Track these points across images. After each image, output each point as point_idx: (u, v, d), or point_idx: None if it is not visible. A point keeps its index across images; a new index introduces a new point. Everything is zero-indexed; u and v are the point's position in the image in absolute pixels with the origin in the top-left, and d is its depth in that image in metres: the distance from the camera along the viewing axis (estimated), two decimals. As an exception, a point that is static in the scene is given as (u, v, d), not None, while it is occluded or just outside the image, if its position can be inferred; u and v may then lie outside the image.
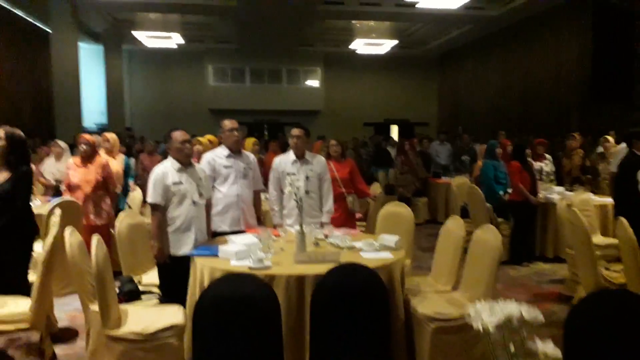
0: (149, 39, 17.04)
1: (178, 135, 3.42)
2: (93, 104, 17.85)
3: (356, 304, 2.30)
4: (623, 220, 3.63)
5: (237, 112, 19.64)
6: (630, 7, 11.50)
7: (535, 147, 6.66)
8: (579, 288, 4.17)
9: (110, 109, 17.06)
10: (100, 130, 18.07)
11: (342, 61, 19.72)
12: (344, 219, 4.87)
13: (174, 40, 17.09)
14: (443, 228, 3.81)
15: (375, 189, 5.92)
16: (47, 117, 14.65)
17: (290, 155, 4.21)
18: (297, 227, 3.80)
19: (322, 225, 4.16)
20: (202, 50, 19.13)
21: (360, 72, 20.22)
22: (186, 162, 3.43)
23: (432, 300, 3.27)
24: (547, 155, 6.72)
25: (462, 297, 3.33)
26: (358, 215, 5.47)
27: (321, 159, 4.31)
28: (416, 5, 13.19)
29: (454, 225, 3.69)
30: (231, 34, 17.90)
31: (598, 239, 4.94)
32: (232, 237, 3.43)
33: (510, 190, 5.85)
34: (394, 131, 20.63)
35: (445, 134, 10.09)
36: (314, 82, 20.32)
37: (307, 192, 4.14)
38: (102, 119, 17.73)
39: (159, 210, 3.30)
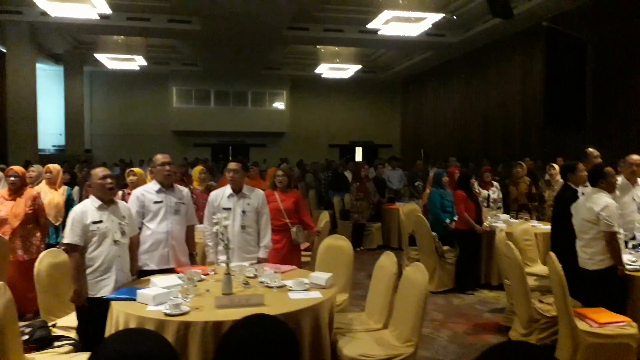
0: (111, 61, 16.78)
1: (98, 171, 3.32)
2: (51, 126, 17.44)
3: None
4: (552, 255, 3.68)
5: (201, 133, 19.55)
6: (582, 35, 12.01)
7: (482, 174, 6.77)
8: (516, 319, 4.20)
9: (69, 131, 16.66)
10: (57, 151, 17.66)
11: (307, 84, 19.88)
12: (288, 250, 4.81)
13: (137, 62, 16.88)
14: (377, 263, 3.79)
15: (324, 218, 5.87)
16: (0, 139, 14.17)
17: (227, 189, 4.14)
18: (238, 265, 3.76)
19: (259, 261, 4.10)
20: (166, 72, 19.00)
21: (325, 95, 20.41)
22: (107, 199, 3.32)
23: (360, 340, 3.22)
24: (495, 183, 6.84)
25: (391, 336, 3.29)
26: (305, 245, 5.41)
27: (259, 192, 4.25)
28: (378, 32, 13.43)
29: (386, 261, 3.66)
30: (196, 57, 17.85)
31: (538, 268, 5.01)
32: (154, 279, 3.32)
33: (456, 219, 5.90)
34: (359, 153, 20.80)
35: (397, 160, 10.20)
36: (279, 105, 20.39)
37: (243, 227, 4.09)
38: (60, 140, 17.30)
39: (77, 251, 3.17)
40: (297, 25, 14.56)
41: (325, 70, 18.15)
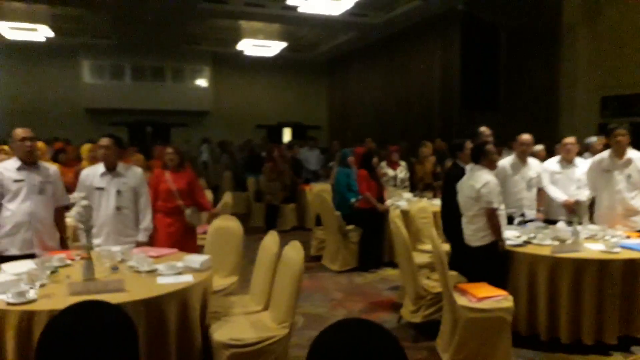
0: (11, 30, 15.29)
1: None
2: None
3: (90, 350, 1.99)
4: (432, 232, 3.70)
5: (116, 111, 18.42)
6: (496, 21, 12.42)
7: (390, 154, 6.80)
8: (406, 296, 4.23)
9: (-37, 107, 15.07)
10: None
11: (231, 61, 19.21)
12: (182, 233, 4.55)
13: (41, 33, 15.50)
14: (261, 244, 3.64)
15: (227, 200, 5.63)
16: None
17: (100, 167, 3.79)
18: (106, 249, 3.47)
19: (138, 244, 3.82)
20: (77, 44, 17.59)
21: (251, 73, 19.87)
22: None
23: (234, 324, 3.07)
24: (402, 162, 6.91)
25: (268, 318, 3.16)
26: (204, 227, 5.16)
27: (137, 170, 3.94)
28: (298, 9, 13.15)
29: (269, 241, 3.53)
30: (108, 29, 16.67)
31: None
32: (5, 265, 2.97)
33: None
34: (287, 134, 20.56)
35: (313, 140, 10.12)
36: (201, 82, 19.61)
37: (118, 208, 3.78)
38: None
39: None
40: (214, -1, 13.95)
41: (248, 47, 17.65)
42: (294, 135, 19.96)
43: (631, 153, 4.48)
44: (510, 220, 4.54)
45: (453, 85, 13.34)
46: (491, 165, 3.99)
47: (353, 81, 19.07)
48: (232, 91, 19.87)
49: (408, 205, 5.68)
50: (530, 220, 4.57)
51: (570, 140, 4.88)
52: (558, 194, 4.82)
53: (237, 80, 19.88)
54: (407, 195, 6.26)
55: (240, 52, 18.30)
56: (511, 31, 12.42)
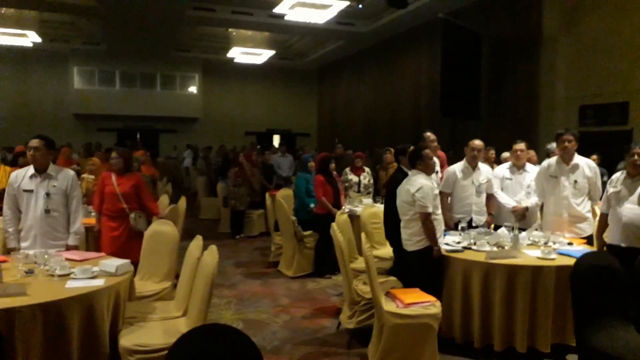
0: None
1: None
2: None
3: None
4: (362, 236, 3.65)
5: (105, 117, 18.50)
6: (477, 29, 12.43)
7: (353, 160, 6.77)
8: (345, 301, 4.16)
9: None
10: None
11: (221, 69, 19.30)
12: (126, 237, 4.51)
13: (29, 38, 15.59)
14: (188, 249, 3.59)
15: (181, 205, 5.59)
16: None
17: (30, 169, 3.76)
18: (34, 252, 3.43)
19: (67, 248, 3.78)
20: (66, 50, 17.72)
21: (241, 80, 19.95)
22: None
23: (146, 329, 3.02)
24: (366, 168, 6.87)
25: (184, 324, 3.11)
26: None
27: (68, 173, 3.90)
28: (285, 17, 13.21)
29: (193, 246, 3.48)
30: (98, 35, 16.77)
31: (384, 251, 5.02)
32: None
33: (319, 203, 5.83)
34: (276, 141, 20.57)
35: (285, 146, 10.09)
36: (191, 89, 19.67)
37: (47, 210, 3.73)
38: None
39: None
40: (202, 6, 14.05)
41: (238, 54, 17.70)
42: (282, 142, 19.98)
43: (578, 159, 4.43)
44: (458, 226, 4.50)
45: (435, 94, 13.33)
46: (428, 170, 3.95)
47: (342, 89, 19.11)
48: (222, 98, 19.94)
49: (341, 214, 5.61)
50: (475, 226, 4.52)
51: (519, 146, 4.83)
52: (507, 200, 4.77)
53: (226, 87, 19.96)
54: (368, 200, 6.21)
55: (231, 60, 18.38)
56: (493, 40, 12.44)
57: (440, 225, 3.91)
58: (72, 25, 16.41)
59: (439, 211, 3.94)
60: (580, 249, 3.89)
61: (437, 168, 4.84)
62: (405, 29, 15.05)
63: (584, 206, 4.37)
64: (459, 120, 12.93)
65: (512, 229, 4.10)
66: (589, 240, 4.31)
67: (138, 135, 18.75)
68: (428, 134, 4.77)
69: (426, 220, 3.74)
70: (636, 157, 3.75)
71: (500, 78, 12.29)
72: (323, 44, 18.09)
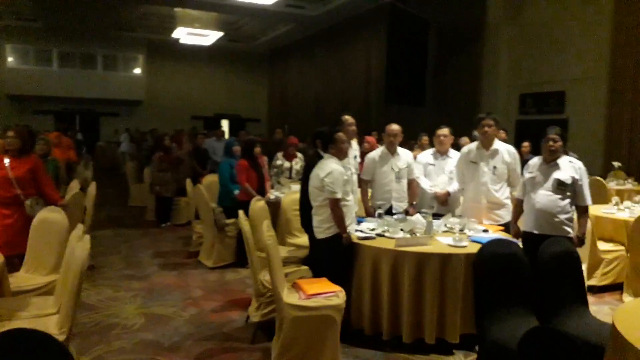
0: None
1: None
2: None
3: None
4: (264, 223, 3.41)
5: (42, 98, 17.48)
6: (424, 15, 12.34)
7: (287, 147, 6.52)
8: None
9: None
10: None
11: (167, 50, 18.55)
12: (21, 226, 4.10)
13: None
14: (69, 239, 3.24)
15: (92, 190, 5.18)
16: None
17: None
18: None
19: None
20: (-3, 26, 16.56)
21: (188, 63, 19.25)
22: None
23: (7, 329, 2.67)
24: (299, 154, 6.63)
25: (55, 322, 2.79)
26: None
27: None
28: (228, -4, 12.71)
29: (73, 236, 3.14)
30: (33, 11, 15.69)
31: (304, 239, 4.81)
32: None
33: (244, 190, 5.54)
34: (225, 126, 20.04)
35: (222, 131, 9.73)
36: (135, 70, 18.82)
37: None
38: None
39: None
40: (144, -17, 13.34)
41: (184, 35, 17.04)
42: (231, 127, 19.49)
43: (498, 144, 4.34)
44: (385, 213, 4.33)
45: (379, 79, 13.22)
46: (340, 154, 3.74)
47: (293, 74, 18.76)
48: (168, 81, 19.20)
49: (257, 200, 5.37)
50: (395, 213, 4.37)
51: (443, 131, 4.71)
52: (429, 186, 4.65)
53: (173, 69, 19.23)
54: (295, 187, 5.96)
55: (176, 41, 17.67)
56: (440, 27, 12.39)
57: (350, 212, 3.72)
58: (4, 0, 15.29)
59: (350, 197, 3.76)
60: (495, 236, 3.79)
61: (356, 153, 4.65)
62: (356, 14, 14.82)
63: (502, 192, 4.29)
64: (407, 107, 12.88)
65: (427, 215, 3.96)
66: (507, 227, 4.24)
67: (77, 119, 17.82)
68: (346, 117, 4.57)
69: (335, 206, 3.54)
70: (551, 142, 3.67)
71: (446, 65, 12.29)
72: (273, 26, 17.63)
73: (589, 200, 3.67)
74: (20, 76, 17.14)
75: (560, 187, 3.61)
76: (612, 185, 7.28)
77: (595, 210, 5.22)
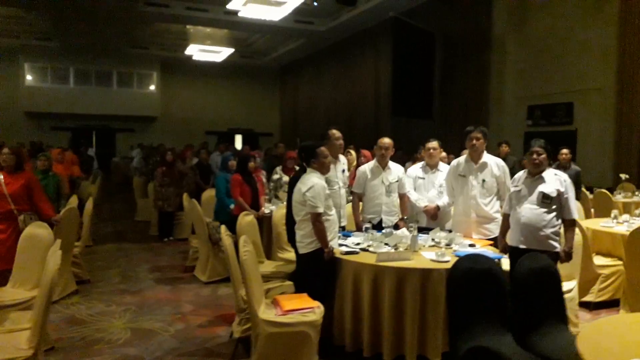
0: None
1: None
2: None
3: None
4: (242, 239, 3.41)
5: (59, 115, 17.94)
6: (429, 28, 12.33)
7: (285, 160, 6.55)
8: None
9: None
10: None
11: (180, 67, 18.90)
12: (15, 240, 4.17)
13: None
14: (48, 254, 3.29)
15: (88, 206, 5.28)
16: None
17: None
18: None
19: None
20: (17, 46, 17.12)
21: (201, 79, 19.56)
22: None
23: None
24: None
25: (25, 337, 2.82)
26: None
27: None
28: (238, 14, 12.92)
29: (51, 252, 3.18)
30: (49, 30, 16.21)
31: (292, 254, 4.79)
32: None
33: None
34: (238, 141, 20.24)
35: (225, 145, 9.81)
36: (149, 87, 19.19)
37: None
38: None
39: None
40: (155, 2, 13.68)
41: (196, 51, 17.33)
42: (244, 142, 19.67)
43: (487, 157, 4.29)
44: (375, 227, 4.31)
45: (387, 93, 13.21)
46: (322, 168, 3.74)
47: (304, 88, 18.90)
48: (181, 97, 19.52)
49: (245, 215, 5.37)
50: (384, 227, 4.33)
51: (432, 144, 4.67)
52: (418, 199, 4.60)
53: (186, 85, 19.56)
54: (291, 201, 5.96)
55: (189, 57, 18.00)
56: (445, 39, 12.36)
57: (333, 226, 3.71)
58: (22, 20, 15.83)
59: (333, 212, 3.74)
60: (481, 250, 3.73)
61: (344, 167, 4.64)
62: (362, 28, 14.93)
63: (492, 206, 4.22)
64: (415, 120, 12.83)
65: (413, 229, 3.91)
66: (496, 241, 4.16)
67: (94, 135, 18.22)
68: (333, 131, 4.57)
69: (316, 220, 3.53)
70: (535, 155, 3.61)
71: (453, 77, 12.22)
72: (284, 42, 17.86)
73: (575, 213, 3.58)
74: (38, 94, 17.65)
75: (545, 200, 3.54)
76: (619, 197, 7.09)
77: (593, 223, 5.10)
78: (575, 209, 3.60)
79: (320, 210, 3.53)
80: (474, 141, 4.23)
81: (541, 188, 3.56)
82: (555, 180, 3.57)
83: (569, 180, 3.62)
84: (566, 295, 3.78)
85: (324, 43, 16.69)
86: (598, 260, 4.63)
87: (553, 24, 9.95)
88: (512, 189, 3.75)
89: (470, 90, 11.64)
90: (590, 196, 7.25)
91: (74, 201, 5.53)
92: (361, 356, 3.47)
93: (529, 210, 3.58)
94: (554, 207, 3.55)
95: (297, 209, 3.68)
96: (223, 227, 3.88)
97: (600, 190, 6.94)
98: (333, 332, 3.60)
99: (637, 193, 7.26)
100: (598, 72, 9.09)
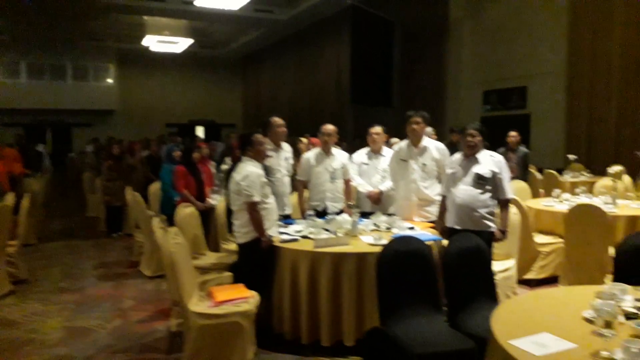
0: None
1: None
2: None
3: None
4: (172, 230, 3.31)
5: (11, 111, 17.25)
6: (388, 16, 12.32)
7: (234, 150, 6.41)
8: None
9: None
10: None
11: (138, 58, 18.39)
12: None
13: None
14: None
15: (25, 204, 5.04)
16: None
17: None
18: None
19: None
20: (-38, 39, 16.31)
21: (160, 71, 19.11)
22: None
23: None
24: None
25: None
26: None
27: None
28: (195, 3, 12.61)
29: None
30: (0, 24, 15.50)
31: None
32: None
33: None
34: (200, 132, 19.90)
35: (183, 138, 9.61)
36: (106, 80, 18.63)
37: None
38: None
39: None
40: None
41: (153, 43, 16.89)
42: (207, 133, 19.36)
43: (427, 141, 4.29)
44: (320, 214, 4.26)
45: (347, 81, 13.17)
46: (258, 156, 3.66)
47: (266, 78, 18.68)
48: (140, 89, 19.04)
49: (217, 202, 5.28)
50: (328, 213, 4.29)
51: (375, 129, 4.64)
52: (362, 184, 4.58)
53: (145, 77, 19.08)
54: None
55: (147, 49, 17.52)
56: (404, 26, 12.38)
57: (271, 215, 3.63)
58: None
59: (270, 199, 3.67)
60: (420, 233, 3.73)
61: (287, 154, 4.57)
62: (322, 17, 14.80)
63: (432, 189, 4.23)
64: (375, 107, 12.84)
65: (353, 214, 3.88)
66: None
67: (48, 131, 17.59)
68: (275, 118, 4.50)
69: (252, 209, 3.46)
70: (469, 137, 3.61)
71: (412, 64, 12.25)
72: (244, 32, 17.56)
73: (509, 193, 3.61)
74: (-13, 89, 16.89)
75: (480, 181, 3.55)
76: (567, 177, 7.26)
77: (535, 203, 5.19)
78: (510, 189, 3.64)
79: (256, 199, 3.46)
80: (414, 125, 4.22)
81: (476, 169, 3.57)
82: (490, 162, 3.59)
83: (503, 161, 3.64)
84: (504, 274, 3.85)
85: (285, 32, 16.50)
86: (539, 238, 4.71)
87: (507, 11, 10.06)
88: (448, 171, 3.76)
89: (428, 76, 11.71)
90: (540, 177, 7.41)
91: (9, 199, 5.29)
92: (300, 343, 3.43)
93: (464, 191, 3.59)
94: (488, 187, 3.57)
95: (233, 199, 3.60)
96: (155, 220, 3.75)
97: (548, 171, 7.08)
98: (272, 320, 3.55)
99: (584, 173, 7.45)
100: (549, 57, 9.25)
